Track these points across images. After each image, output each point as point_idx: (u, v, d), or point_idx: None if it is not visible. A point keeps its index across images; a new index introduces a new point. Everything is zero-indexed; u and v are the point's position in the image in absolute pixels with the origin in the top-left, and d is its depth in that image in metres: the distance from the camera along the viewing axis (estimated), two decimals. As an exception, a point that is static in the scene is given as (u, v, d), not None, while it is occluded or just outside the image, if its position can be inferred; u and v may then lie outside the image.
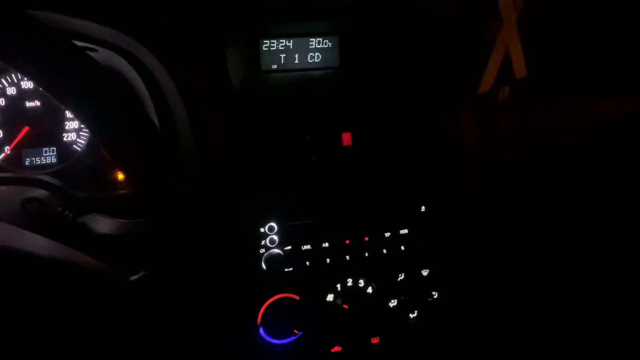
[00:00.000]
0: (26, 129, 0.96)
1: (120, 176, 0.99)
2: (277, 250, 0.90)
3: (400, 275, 0.97)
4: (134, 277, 0.65)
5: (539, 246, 1.10)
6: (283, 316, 0.92)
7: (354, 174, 0.93)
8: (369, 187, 0.93)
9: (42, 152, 0.98)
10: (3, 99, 0.95)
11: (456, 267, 1.01)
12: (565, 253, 1.12)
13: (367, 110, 0.93)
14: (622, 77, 1.05)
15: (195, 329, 0.84)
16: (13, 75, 0.96)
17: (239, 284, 0.89)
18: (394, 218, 0.95)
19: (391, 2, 0.92)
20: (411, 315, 0.99)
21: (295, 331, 0.93)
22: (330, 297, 0.94)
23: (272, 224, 0.90)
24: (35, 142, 0.97)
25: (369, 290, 0.96)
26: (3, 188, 0.86)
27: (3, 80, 0.95)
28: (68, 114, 0.99)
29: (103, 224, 0.80)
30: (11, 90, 0.96)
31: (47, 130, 0.98)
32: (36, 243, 0.63)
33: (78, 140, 1.00)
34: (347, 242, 0.93)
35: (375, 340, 0.98)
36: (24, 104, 0.96)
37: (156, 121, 0.85)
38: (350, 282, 0.95)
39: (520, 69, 0.96)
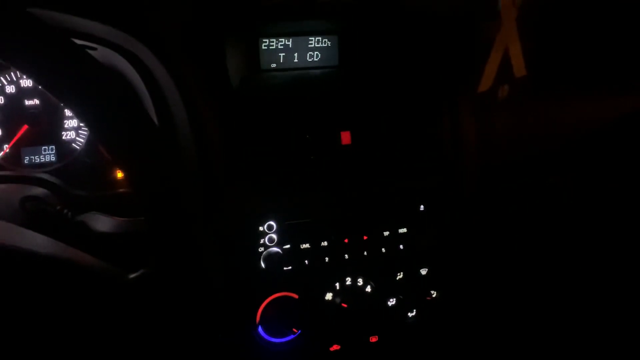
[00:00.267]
0: (25, 127, 0.96)
1: (120, 175, 0.99)
2: (276, 249, 0.90)
3: (398, 274, 0.97)
4: (132, 275, 0.65)
5: (538, 245, 1.10)
6: (282, 315, 0.92)
7: (353, 173, 0.93)
8: (368, 186, 0.93)
9: (41, 150, 0.98)
10: (2, 97, 0.95)
11: (455, 267, 1.01)
12: (564, 252, 1.12)
13: (366, 109, 0.93)
14: (621, 76, 1.05)
15: (194, 328, 0.84)
16: (12, 73, 0.96)
17: (238, 282, 0.89)
18: (393, 217, 0.95)
19: (390, 1, 0.92)
20: (410, 314, 0.99)
21: (294, 330, 0.93)
22: (329, 296, 0.95)
23: (271, 222, 0.90)
24: (34, 141, 0.98)
25: (368, 289, 0.96)
26: (2, 186, 0.86)
27: (2, 79, 0.95)
28: (67, 113, 0.99)
29: (102, 222, 0.80)
30: (10, 89, 0.96)
31: (46, 128, 0.98)
32: (35, 241, 0.63)
33: (77, 138, 1.00)
34: (346, 241, 0.94)
35: (373, 339, 0.98)
36: (23, 103, 0.96)
37: (155, 120, 0.85)
38: (349, 281, 0.95)
39: (519, 68, 0.96)
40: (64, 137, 0.99)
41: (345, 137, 0.92)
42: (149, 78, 0.87)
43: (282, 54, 0.95)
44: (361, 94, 0.94)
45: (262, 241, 0.90)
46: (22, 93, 0.96)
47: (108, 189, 0.97)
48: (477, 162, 0.98)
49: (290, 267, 0.92)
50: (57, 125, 0.98)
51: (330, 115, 0.91)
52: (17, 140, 0.96)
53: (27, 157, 0.97)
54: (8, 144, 0.96)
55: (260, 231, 0.89)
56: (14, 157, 0.96)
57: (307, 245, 0.92)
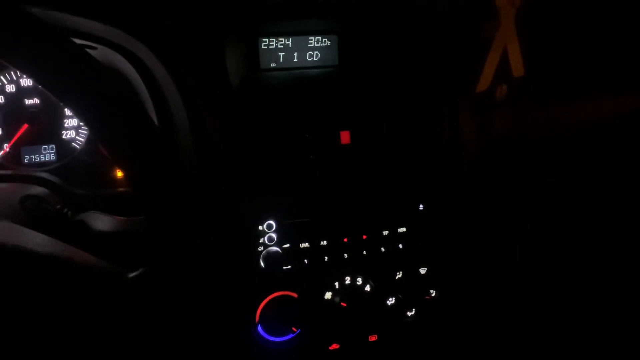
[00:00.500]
0: (25, 126, 0.96)
1: (119, 174, 0.99)
2: (275, 248, 0.90)
3: (398, 273, 0.98)
4: (132, 275, 0.65)
5: (537, 245, 1.10)
6: (281, 314, 0.92)
7: (353, 172, 0.93)
8: (367, 185, 0.94)
9: (41, 149, 0.98)
10: (2, 97, 0.96)
11: (454, 266, 1.01)
12: (563, 252, 1.12)
13: (366, 109, 0.93)
14: (620, 76, 1.05)
15: (193, 327, 0.84)
16: (12, 72, 0.96)
17: (237, 281, 0.90)
18: (392, 216, 0.95)
19: (390, 1, 0.92)
20: (409, 313, 0.99)
21: (294, 329, 0.93)
22: (328, 295, 0.95)
23: (271, 222, 0.90)
24: (34, 140, 0.98)
25: (367, 288, 0.96)
26: (2, 185, 0.86)
27: (2, 78, 0.95)
28: (67, 112, 0.99)
29: (101, 221, 0.80)
30: (10, 88, 0.96)
31: (46, 127, 0.98)
32: (35, 240, 0.63)
33: (77, 137, 1.00)
34: (345, 240, 0.94)
35: (373, 338, 0.98)
36: (23, 102, 0.96)
37: (155, 119, 0.85)
38: (348, 280, 0.95)
39: (517, 67, 0.97)
40: (64, 136, 0.99)
41: (345, 137, 0.92)
42: (149, 78, 0.87)
43: (281, 54, 0.95)
44: (361, 93, 0.94)
45: (261, 240, 0.90)
46: (22, 92, 0.96)
47: (108, 188, 0.97)
48: (476, 161, 0.98)
49: (289, 267, 0.92)
50: (57, 124, 0.98)
51: (329, 114, 0.92)
52: (17, 140, 0.96)
53: (27, 156, 0.97)
54: (8, 143, 0.96)
55: (260, 230, 0.90)
56: (14, 156, 0.97)
57: (306, 245, 0.92)
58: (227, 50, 0.88)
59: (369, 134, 0.93)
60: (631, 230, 1.12)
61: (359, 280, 0.96)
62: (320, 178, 0.92)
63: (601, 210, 1.11)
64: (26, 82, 0.96)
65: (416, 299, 0.99)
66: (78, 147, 0.99)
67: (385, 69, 0.97)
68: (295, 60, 0.96)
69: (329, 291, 0.95)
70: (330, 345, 0.97)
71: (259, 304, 0.92)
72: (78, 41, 0.85)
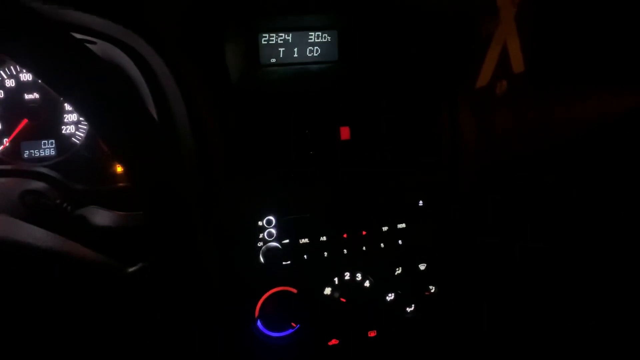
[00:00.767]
0: (25, 121, 0.96)
1: (119, 169, 0.99)
2: (275, 244, 0.90)
3: (397, 269, 0.98)
4: (131, 269, 0.65)
5: (536, 242, 1.10)
6: (281, 309, 0.92)
7: (352, 168, 0.93)
8: (366, 181, 0.94)
9: (41, 144, 0.98)
10: (2, 91, 0.95)
11: (453, 262, 1.01)
12: (563, 249, 1.12)
13: (366, 105, 0.93)
14: (621, 73, 1.05)
15: (192, 322, 0.84)
16: (12, 67, 0.96)
17: (237, 276, 0.90)
18: (392, 212, 0.95)
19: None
20: (408, 309, 1.00)
21: (293, 324, 0.93)
22: (327, 291, 0.95)
23: (270, 217, 0.90)
24: (34, 135, 0.98)
25: (367, 284, 0.96)
26: (1, 180, 0.86)
27: (2, 73, 0.95)
28: (67, 107, 0.99)
29: (101, 216, 0.80)
30: (10, 83, 0.96)
31: (45, 122, 0.98)
32: (34, 235, 0.63)
33: (77, 132, 1.00)
34: (345, 236, 0.94)
35: (372, 334, 0.99)
36: (23, 97, 0.96)
37: (155, 115, 0.85)
38: (347, 276, 0.95)
39: (517, 64, 0.96)
40: (63, 131, 0.99)
41: (345, 133, 0.92)
42: (149, 73, 0.87)
43: (281, 49, 0.94)
44: (361, 89, 0.94)
45: (261, 236, 0.90)
46: (22, 87, 0.96)
47: (107, 183, 0.97)
48: (475, 158, 0.98)
49: (289, 262, 0.92)
50: (57, 119, 0.98)
51: (329, 110, 0.92)
52: (17, 134, 0.96)
53: (27, 151, 0.97)
54: (8, 138, 0.96)
55: (260, 226, 0.90)
56: (14, 151, 0.97)
57: (306, 240, 0.92)
58: (227, 46, 0.88)
59: (368, 130, 0.93)
60: (630, 230, 1.12)
61: (359, 276, 0.96)
62: (320, 174, 0.92)
63: (600, 209, 1.11)
64: (26, 76, 0.96)
65: (415, 294, 0.99)
66: (78, 142, 0.99)
67: (385, 65, 0.97)
68: (295, 55, 0.96)
69: (328, 287, 0.95)
70: (330, 340, 0.97)
71: (259, 299, 0.92)
72: (78, 36, 0.85)
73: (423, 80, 0.96)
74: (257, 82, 0.92)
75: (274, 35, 0.93)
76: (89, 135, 0.99)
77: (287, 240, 0.91)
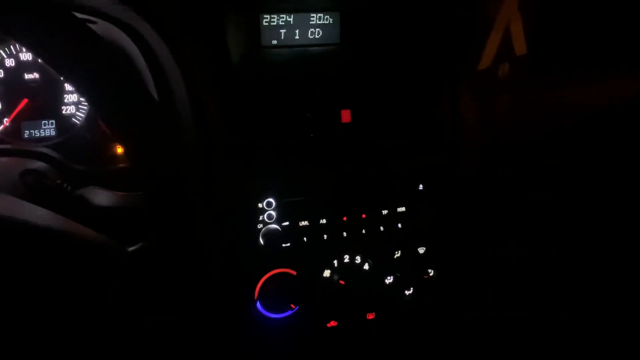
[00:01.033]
0: (25, 101, 0.96)
1: (119, 150, 0.99)
2: (274, 226, 0.91)
3: (396, 252, 0.98)
4: (131, 249, 0.65)
5: (536, 228, 1.10)
6: (280, 291, 0.93)
7: (353, 151, 0.93)
8: (367, 164, 0.94)
9: (41, 124, 0.98)
10: (2, 71, 0.95)
11: (452, 246, 1.01)
12: (562, 237, 1.12)
13: (367, 87, 0.93)
14: (626, 57, 1.04)
15: (192, 303, 0.85)
16: (12, 46, 0.95)
17: (236, 258, 0.90)
18: (392, 196, 0.96)
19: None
20: (407, 292, 1.00)
21: (292, 306, 0.94)
22: (327, 273, 0.95)
23: (270, 199, 0.90)
24: (34, 115, 0.97)
25: (366, 267, 0.97)
26: (2, 159, 0.86)
27: (2, 52, 0.95)
28: (67, 87, 0.99)
29: (101, 197, 0.80)
30: (10, 62, 0.95)
31: (46, 102, 0.97)
32: (35, 213, 0.64)
33: (77, 113, 0.99)
34: (345, 219, 0.94)
35: (370, 316, 0.99)
36: (23, 76, 0.96)
37: (155, 95, 0.84)
38: (347, 258, 0.96)
39: (520, 46, 0.95)
40: (63, 112, 0.99)
41: (346, 115, 0.92)
42: (150, 54, 0.86)
43: (283, 31, 0.94)
44: (362, 72, 0.94)
45: (261, 218, 0.90)
46: (22, 67, 0.96)
47: (108, 164, 0.97)
48: (476, 142, 0.98)
49: (288, 244, 0.92)
50: (57, 99, 0.98)
51: (330, 93, 0.91)
52: (17, 114, 0.96)
53: (27, 131, 0.97)
54: (8, 118, 0.96)
55: (259, 208, 0.90)
56: (14, 131, 0.96)
57: (305, 223, 0.92)
58: (228, 27, 0.87)
59: (369, 112, 0.93)
60: (630, 217, 1.11)
61: (358, 259, 0.96)
62: (321, 156, 0.92)
63: (603, 196, 1.11)
64: (26, 56, 0.96)
65: (414, 278, 1.00)
66: (78, 122, 0.99)
67: (386, 47, 0.96)
68: (297, 37, 0.95)
69: (327, 269, 0.95)
70: (329, 322, 0.98)
71: (258, 281, 0.92)
72: (79, 15, 0.84)
73: (425, 63, 0.96)
74: (258, 63, 0.92)
75: (275, 16, 0.92)
76: (89, 116, 0.99)
77: (286, 223, 0.91)
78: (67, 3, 0.81)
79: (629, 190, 1.10)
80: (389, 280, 0.98)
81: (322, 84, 0.91)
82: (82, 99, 0.99)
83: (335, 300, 0.96)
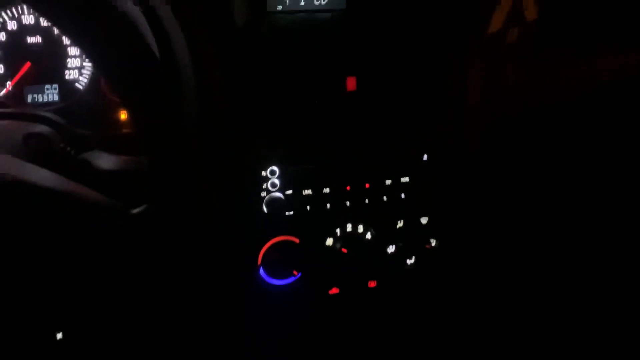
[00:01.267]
0: (28, 64, 0.95)
1: (123, 116, 0.98)
2: (278, 194, 0.91)
3: (399, 222, 0.98)
4: (135, 211, 0.65)
5: (540, 201, 1.10)
6: (283, 258, 0.93)
7: (357, 120, 0.92)
8: (371, 133, 0.93)
9: (44, 89, 0.97)
10: (4, 34, 0.94)
11: (455, 217, 1.01)
12: (567, 215, 1.12)
13: (373, 55, 0.91)
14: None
15: (195, 268, 0.86)
16: (14, 9, 0.94)
17: (240, 225, 0.90)
18: (396, 166, 0.95)
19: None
20: (408, 262, 1.01)
21: (295, 272, 0.95)
22: (329, 242, 0.96)
23: (274, 167, 0.90)
24: (37, 79, 0.97)
25: (368, 236, 0.97)
26: (5, 122, 0.86)
27: (4, 15, 0.94)
28: (70, 52, 0.98)
29: (105, 160, 0.80)
30: (12, 25, 0.94)
31: (48, 67, 0.97)
32: (39, 174, 0.64)
33: (80, 78, 0.99)
34: (348, 188, 0.94)
35: (372, 284, 1.00)
36: (25, 40, 0.95)
37: (158, 57, 0.83)
38: (349, 227, 0.96)
39: (531, 10, 0.93)
40: (67, 77, 0.98)
41: (351, 83, 0.91)
42: (153, 18, 0.85)
43: (288, -4, 0.92)
44: (368, 39, 0.92)
45: (264, 186, 0.90)
46: (24, 30, 0.95)
47: (111, 130, 0.97)
48: (482, 113, 0.97)
49: (292, 213, 0.93)
50: (60, 64, 0.97)
51: (336, 60, 0.90)
52: (20, 78, 0.95)
53: (30, 96, 0.97)
54: (11, 82, 0.95)
55: (263, 176, 0.90)
56: (17, 95, 0.96)
57: (309, 192, 0.92)
58: (233, -9, 0.86)
59: (375, 81, 0.92)
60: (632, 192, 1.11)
61: (360, 228, 0.97)
62: (325, 125, 0.91)
63: (609, 167, 1.10)
64: (28, 19, 0.95)
65: (416, 248, 1.00)
66: (81, 88, 0.99)
67: (393, 14, 0.94)
68: (302, 3, 0.93)
69: (330, 237, 0.96)
70: (330, 289, 0.99)
71: (261, 248, 0.93)
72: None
73: (432, 30, 0.94)
74: (263, 29, 0.91)
75: (281, -20, 0.91)
76: (92, 81, 0.98)
77: (290, 191, 0.92)
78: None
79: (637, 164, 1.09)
80: (390, 249, 0.99)
81: (328, 51, 0.90)
82: (85, 63, 0.98)
83: (337, 268, 0.97)
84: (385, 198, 0.96)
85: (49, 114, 0.92)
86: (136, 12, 0.84)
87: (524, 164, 1.04)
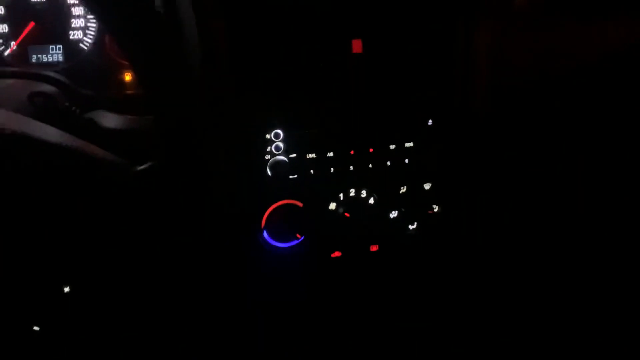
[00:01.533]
0: (32, 24, 0.95)
1: (127, 77, 0.98)
2: (282, 158, 0.91)
3: (402, 187, 0.98)
4: (140, 167, 0.66)
5: (544, 168, 1.10)
6: (286, 221, 0.94)
7: (362, 83, 0.91)
8: (376, 97, 0.93)
9: (49, 49, 0.97)
10: (7, -7, 0.94)
11: (459, 183, 1.01)
12: (570, 183, 1.11)
13: (380, 17, 0.90)
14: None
15: (199, 230, 0.87)
16: (17, -33, 0.93)
17: (243, 187, 0.91)
18: (400, 130, 0.95)
19: None
20: (410, 227, 1.01)
21: (298, 235, 0.96)
22: (332, 206, 0.96)
23: (278, 130, 0.90)
24: (41, 39, 0.97)
25: (371, 201, 0.98)
26: (10, 81, 0.86)
27: (7, -27, 0.93)
28: (74, 11, 0.97)
29: (110, 120, 0.80)
30: (16, -16, 0.94)
31: (52, 26, 0.96)
32: (46, 131, 0.64)
33: (84, 39, 0.98)
34: (352, 152, 0.94)
35: (374, 248, 1.01)
36: (29, -1, 0.94)
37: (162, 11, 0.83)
38: (352, 192, 0.96)
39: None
40: (71, 37, 0.98)
41: (357, 46, 0.90)
42: None
43: (294, -45, 0.90)
44: (374, 1, 0.91)
45: (268, 149, 0.90)
46: (28, -11, 0.94)
47: (115, 91, 0.97)
48: (488, 79, 0.96)
49: (295, 176, 0.93)
50: (64, 24, 0.97)
51: (341, 21, 0.89)
52: (24, 38, 0.95)
53: (35, 56, 0.97)
54: (15, 41, 0.95)
55: (267, 139, 0.90)
56: (21, 55, 0.96)
57: (313, 155, 0.93)
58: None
59: (381, 44, 0.91)
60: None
61: (364, 193, 0.97)
62: (330, 88, 0.91)
63: (614, 140, 1.09)
64: (31, -23, 0.94)
65: (419, 213, 1.01)
66: (86, 48, 0.98)
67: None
68: (309, -38, 0.92)
69: (333, 202, 0.96)
70: (333, 252, 1.00)
71: (265, 211, 0.94)
72: None
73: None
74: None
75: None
76: (97, 42, 0.98)
77: (294, 155, 0.92)
78: None
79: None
80: (393, 214, 1.00)
81: (333, 12, 0.89)
82: (89, 24, 0.98)
83: (339, 232, 0.97)
84: (389, 163, 0.96)
85: (53, 74, 0.92)
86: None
87: (529, 129, 1.03)
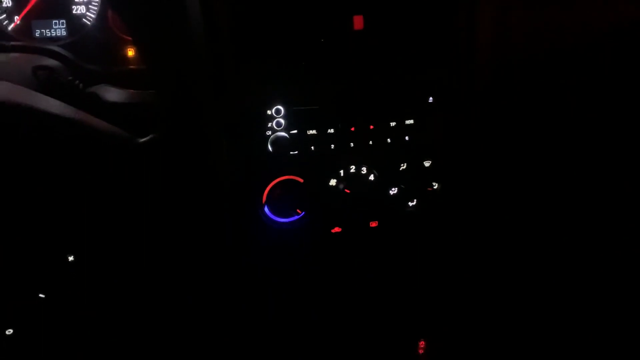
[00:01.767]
0: (36, -3, 0.95)
1: (130, 52, 0.99)
2: (283, 134, 0.92)
3: (402, 164, 0.99)
4: (142, 140, 0.67)
5: (546, 147, 1.09)
6: (287, 196, 0.95)
7: (364, 60, 0.92)
8: (377, 74, 0.93)
9: (52, 24, 0.98)
10: (11, -34, 0.94)
11: (458, 160, 1.02)
12: (572, 160, 1.11)
13: (382, -7, 0.90)
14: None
15: (200, 204, 0.88)
16: (19, -60, 0.93)
17: (245, 163, 0.92)
18: (401, 107, 0.95)
19: None
20: (410, 204, 1.02)
21: (298, 211, 0.97)
22: (333, 182, 0.97)
23: (279, 107, 0.90)
24: (45, 14, 0.97)
25: (371, 177, 0.98)
26: (15, 55, 0.87)
27: (9, -54, 0.93)
28: (77, -15, 0.97)
29: (113, 94, 0.81)
30: (17, -43, 0.94)
31: (56, 1, 0.97)
32: (48, 103, 0.65)
33: (88, 13, 0.99)
34: (353, 129, 0.95)
35: (374, 224, 1.02)
36: (32, -28, 0.95)
37: None
38: (353, 168, 0.97)
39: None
40: (74, 11, 0.98)
41: (358, 22, 0.90)
42: None
43: None
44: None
45: (269, 125, 0.91)
46: (30, -38, 0.94)
47: (118, 65, 0.97)
48: (491, 55, 0.96)
49: (296, 152, 0.94)
50: (68, -2, 0.97)
51: None
52: (28, 12, 0.96)
53: (38, 30, 0.97)
54: (19, 15, 0.95)
55: (268, 115, 0.91)
56: (25, 29, 0.97)
57: (313, 132, 0.93)
58: None
59: (383, 20, 0.91)
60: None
61: (364, 170, 0.98)
62: (331, 64, 0.91)
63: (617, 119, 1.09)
64: (33, -50, 0.94)
65: (418, 190, 1.01)
66: (89, 23, 0.99)
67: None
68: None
69: (333, 178, 0.97)
70: (333, 228, 1.01)
71: (266, 186, 0.95)
72: None
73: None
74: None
75: None
76: (100, 17, 0.98)
77: (295, 131, 0.92)
78: None
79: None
80: (393, 191, 1.00)
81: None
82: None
83: (339, 208, 0.98)
84: (389, 140, 0.97)
85: (56, 48, 0.93)
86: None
87: (530, 106, 1.04)
